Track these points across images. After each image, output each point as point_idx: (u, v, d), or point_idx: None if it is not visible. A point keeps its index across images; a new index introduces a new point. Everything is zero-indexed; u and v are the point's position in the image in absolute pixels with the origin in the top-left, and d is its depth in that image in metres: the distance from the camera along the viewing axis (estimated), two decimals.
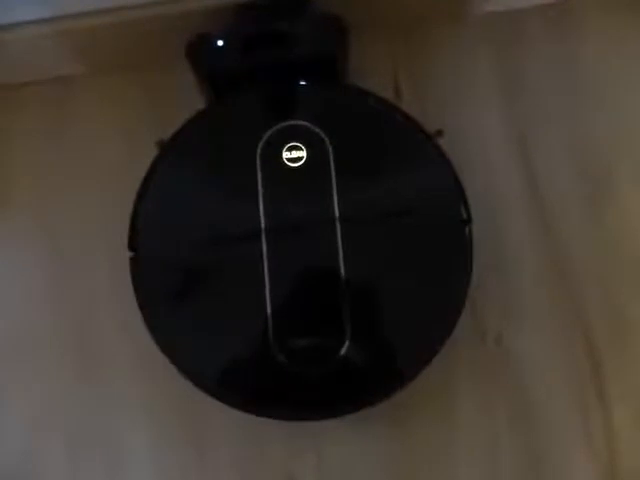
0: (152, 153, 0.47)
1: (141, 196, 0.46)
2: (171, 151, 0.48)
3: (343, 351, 0.43)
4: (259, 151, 0.46)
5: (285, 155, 0.46)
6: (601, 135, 0.56)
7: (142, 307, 0.44)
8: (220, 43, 0.48)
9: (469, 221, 0.46)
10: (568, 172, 0.56)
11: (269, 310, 0.43)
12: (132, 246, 0.46)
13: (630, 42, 0.58)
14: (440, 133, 0.49)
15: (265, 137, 0.46)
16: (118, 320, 0.53)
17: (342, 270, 0.44)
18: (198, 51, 0.49)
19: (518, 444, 0.51)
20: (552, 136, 0.56)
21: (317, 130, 0.46)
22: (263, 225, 0.45)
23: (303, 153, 0.46)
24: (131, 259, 0.45)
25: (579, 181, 0.56)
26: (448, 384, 0.52)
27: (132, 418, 0.52)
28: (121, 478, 0.52)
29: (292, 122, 0.47)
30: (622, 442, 0.51)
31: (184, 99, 0.53)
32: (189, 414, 0.52)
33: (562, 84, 0.58)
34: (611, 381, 0.52)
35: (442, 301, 0.46)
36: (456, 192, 0.46)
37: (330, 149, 0.46)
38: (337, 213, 0.45)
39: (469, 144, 0.55)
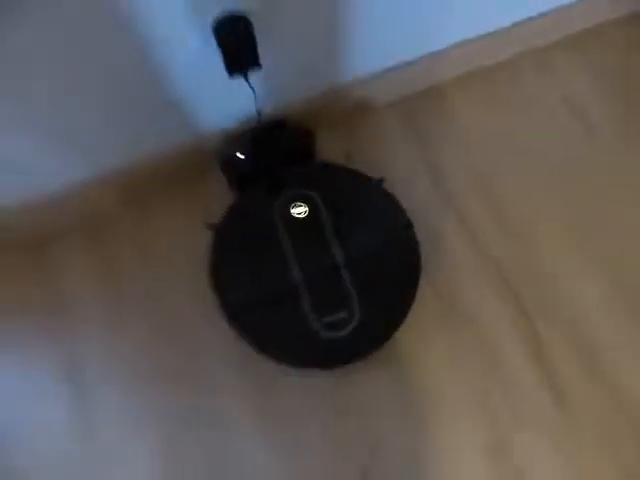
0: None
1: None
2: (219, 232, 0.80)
3: (353, 324, 0.74)
4: (275, 212, 0.78)
5: (292, 211, 0.78)
6: None
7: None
8: (242, 157, 0.81)
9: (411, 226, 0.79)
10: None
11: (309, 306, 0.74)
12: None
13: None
14: (382, 180, 0.82)
15: (277, 203, 0.79)
16: None
17: (348, 280, 0.75)
18: (228, 164, 0.83)
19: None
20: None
21: (310, 192, 0.79)
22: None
23: (305, 208, 0.78)
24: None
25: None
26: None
27: None
28: None
29: (293, 190, 0.79)
30: None
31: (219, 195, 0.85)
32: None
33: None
34: None
35: (405, 286, 0.77)
36: (400, 210, 0.79)
37: (320, 202, 0.78)
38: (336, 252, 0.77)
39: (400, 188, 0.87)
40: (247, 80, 0.71)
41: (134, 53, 0.65)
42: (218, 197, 0.86)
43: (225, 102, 0.78)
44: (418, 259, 0.79)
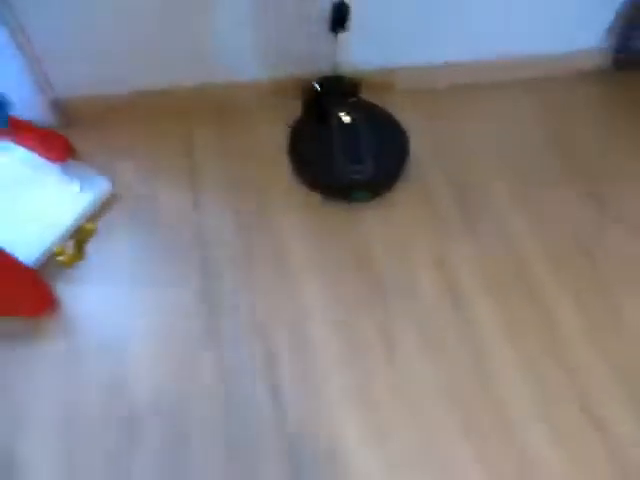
0: None
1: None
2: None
3: (368, 175, 1.32)
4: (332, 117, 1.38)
5: (343, 118, 1.38)
6: None
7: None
8: (317, 87, 1.42)
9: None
10: None
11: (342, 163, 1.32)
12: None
13: None
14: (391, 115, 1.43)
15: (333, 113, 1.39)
16: None
17: (367, 151, 1.34)
18: (307, 90, 1.44)
19: None
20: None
21: (353, 110, 1.39)
22: None
23: (349, 117, 1.38)
24: None
25: None
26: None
27: None
28: None
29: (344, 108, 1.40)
30: None
31: None
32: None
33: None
34: None
35: (400, 159, 1.36)
36: (399, 124, 1.40)
37: (358, 116, 1.38)
38: None
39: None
40: (336, 37, 1.33)
41: None
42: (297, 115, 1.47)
43: (320, 51, 1.40)
44: (407, 153, 1.40)
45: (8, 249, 1.04)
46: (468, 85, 1.62)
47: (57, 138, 1.30)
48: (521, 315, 1.23)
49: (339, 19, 1.30)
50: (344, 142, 1.36)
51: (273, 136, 1.44)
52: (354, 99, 1.45)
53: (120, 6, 1.22)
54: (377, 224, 1.34)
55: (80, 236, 1.22)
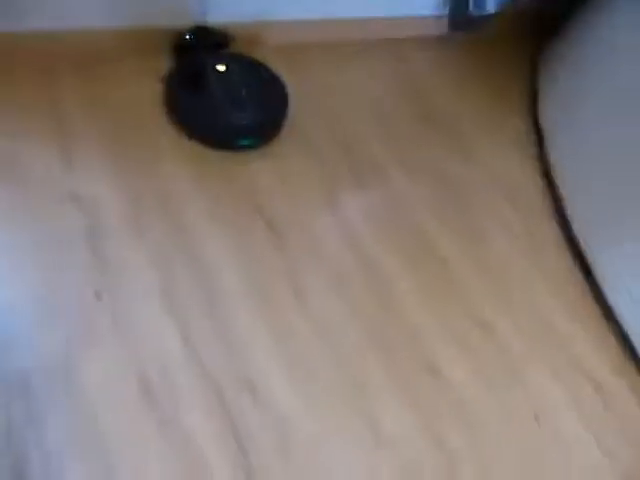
0: None
1: None
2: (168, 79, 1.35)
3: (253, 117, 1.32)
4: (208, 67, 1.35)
5: (217, 67, 1.36)
6: None
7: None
8: (188, 38, 1.38)
9: None
10: None
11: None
12: None
13: None
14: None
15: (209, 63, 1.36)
16: None
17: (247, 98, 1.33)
18: (179, 42, 1.39)
19: None
20: None
21: (226, 60, 1.38)
22: None
23: (223, 66, 1.37)
24: None
25: None
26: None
27: None
28: None
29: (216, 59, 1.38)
30: None
31: None
32: None
33: None
34: None
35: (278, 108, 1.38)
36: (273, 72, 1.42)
37: (232, 65, 1.38)
38: None
39: None
40: None
41: None
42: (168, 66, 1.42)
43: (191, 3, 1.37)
44: (287, 99, 1.42)
45: None
46: (330, 41, 1.69)
47: None
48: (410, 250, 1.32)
49: None
50: (223, 91, 1.34)
51: (145, 88, 1.37)
52: (226, 50, 1.44)
53: None
54: (266, 171, 1.34)
55: None
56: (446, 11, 1.86)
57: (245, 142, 1.33)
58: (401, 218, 1.37)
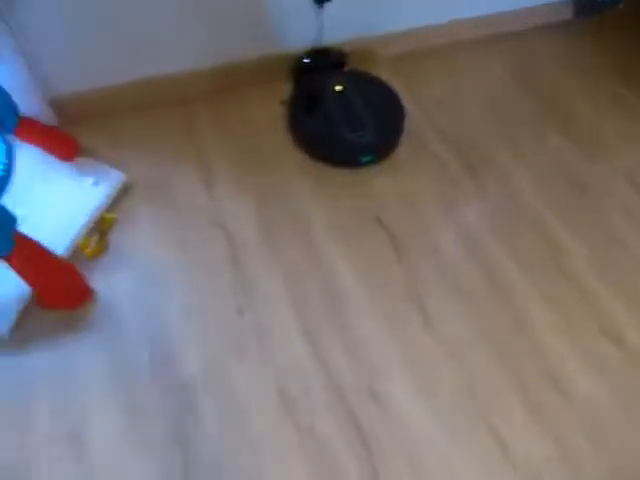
0: None
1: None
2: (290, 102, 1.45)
3: (370, 139, 1.37)
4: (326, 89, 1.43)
5: (335, 88, 1.43)
6: None
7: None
8: (307, 61, 1.47)
9: None
10: None
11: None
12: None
13: None
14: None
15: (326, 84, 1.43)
16: None
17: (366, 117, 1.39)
18: (297, 65, 1.48)
19: None
20: None
21: (344, 80, 1.44)
22: None
23: (341, 87, 1.43)
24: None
25: None
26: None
27: None
28: None
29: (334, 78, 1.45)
30: None
31: None
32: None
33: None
34: None
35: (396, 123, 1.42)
36: (392, 89, 1.46)
37: (350, 84, 1.44)
38: None
39: None
40: (321, 8, 1.38)
41: None
42: (289, 89, 1.52)
43: (304, 25, 1.44)
44: (404, 113, 1.46)
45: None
46: (445, 45, 1.69)
47: (63, 136, 1.32)
48: (533, 254, 1.30)
49: None
50: (343, 111, 1.41)
51: (269, 112, 1.48)
52: (343, 69, 1.51)
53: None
54: (387, 184, 1.39)
55: (102, 227, 1.23)
56: None
57: (366, 159, 1.39)
58: (526, 224, 1.35)
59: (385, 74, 1.55)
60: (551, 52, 1.76)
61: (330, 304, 1.19)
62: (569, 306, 1.22)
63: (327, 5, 1.38)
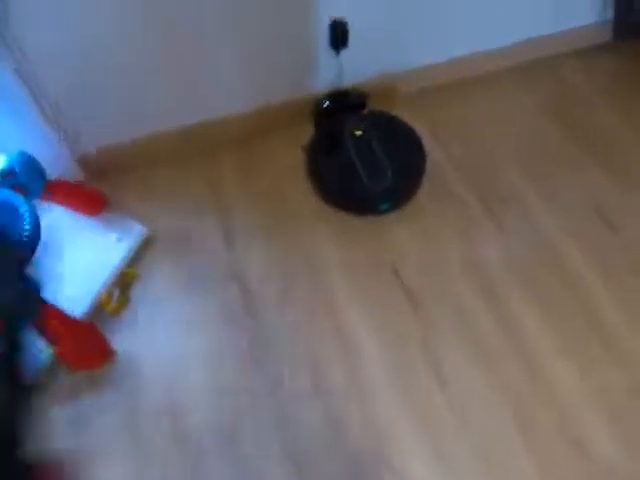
0: None
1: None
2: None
3: (390, 184, 1.34)
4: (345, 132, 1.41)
5: (355, 132, 1.41)
6: None
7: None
8: (328, 103, 1.45)
9: None
10: None
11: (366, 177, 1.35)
12: None
13: None
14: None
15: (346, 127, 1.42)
16: None
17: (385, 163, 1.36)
18: (319, 108, 1.47)
19: None
20: None
21: (364, 122, 1.42)
22: None
23: (361, 130, 1.41)
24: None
25: None
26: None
27: None
28: None
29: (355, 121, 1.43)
30: None
31: None
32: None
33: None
34: None
35: (418, 169, 1.39)
36: (413, 131, 1.42)
37: (369, 127, 1.41)
38: None
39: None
40: (338, 55, 1.36)
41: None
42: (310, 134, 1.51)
43: (326, 68, 1.43)
44: (424, 155, 1.42)
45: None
46: (469, 79, 1.63)
47: (90, 192, 1.37)
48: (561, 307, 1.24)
49: (339, 37, 1.34)
50: (362, 156, 1.38)
51: (292, 159, 1.48)
52: (363, 111, 1.48)
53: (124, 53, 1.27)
54: (407, 231, 1.36)
55: (123, 283, 1.27)
56: (606, 17, 1.65)
57: (385, 206, 1.37)
58: (551, 270, 1.29)
59: (406, 112, 1.52)
60: (585, 80, 1.66)
61: (344, 359, 1.18)
62: (597, 364, 1.16)
63: (347, 47, 1.37)
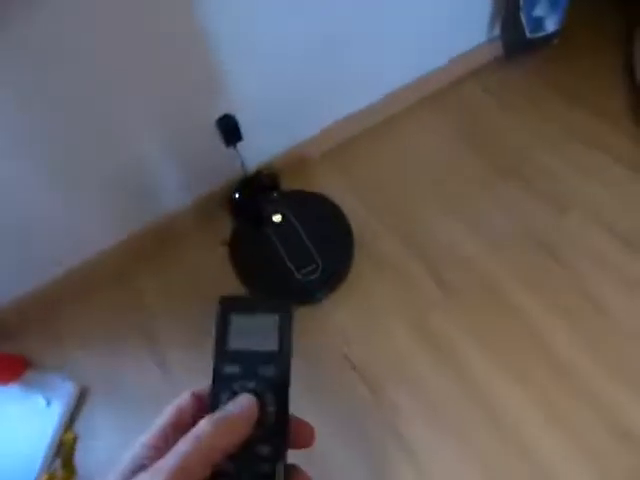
0: None
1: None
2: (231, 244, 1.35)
3: (319, 273, 1.27)
4: (264, 222, 1.33)
5: (273, 219, 1.34)
6: None
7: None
8: (237, 196, 1.37)
9: None
10: None
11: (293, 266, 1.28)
12: None
13: None
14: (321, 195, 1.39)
15: (264, 217, 1.34)
16: None
17: (312, 248, 1.29)
18: (229, 201, 1.39)
19: None
20: None
21: (280, 207, 1.35)
22: None
23: (279, 216, 1.34)
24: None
25: None
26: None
27: None
28: None
29: (271, 208, 1.35)
30: None
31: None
32: None
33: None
34: None
35: (346, 250, 1.32)
36: (337, 208, 1.36)
37: (288, 212, 1.34)
38: None
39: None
40: (235, 148, 1.29)
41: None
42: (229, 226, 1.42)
43: (223, 164, 1.35)
44: (352, 236, 1.36)
45: None
46: (381, 123, 1.59)
47: (4, 359, 1.24)
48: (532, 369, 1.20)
49: (231, 132, 1.26)
50: (286, 245, 1.32)
51: (212, 256, 1.39)
52: (275, 194, 1.41)
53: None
54: (348, 313, 1.29)
55: (64, 451, 1.16)
56: (493, 37, 1.64)
57: (321, 294, 1.30)
58: (511, 330, 1.24)
59: (323, 176, 1.46)
60: (486, 98, 1.65)
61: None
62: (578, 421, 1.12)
63: (245, 133, 1.29)
